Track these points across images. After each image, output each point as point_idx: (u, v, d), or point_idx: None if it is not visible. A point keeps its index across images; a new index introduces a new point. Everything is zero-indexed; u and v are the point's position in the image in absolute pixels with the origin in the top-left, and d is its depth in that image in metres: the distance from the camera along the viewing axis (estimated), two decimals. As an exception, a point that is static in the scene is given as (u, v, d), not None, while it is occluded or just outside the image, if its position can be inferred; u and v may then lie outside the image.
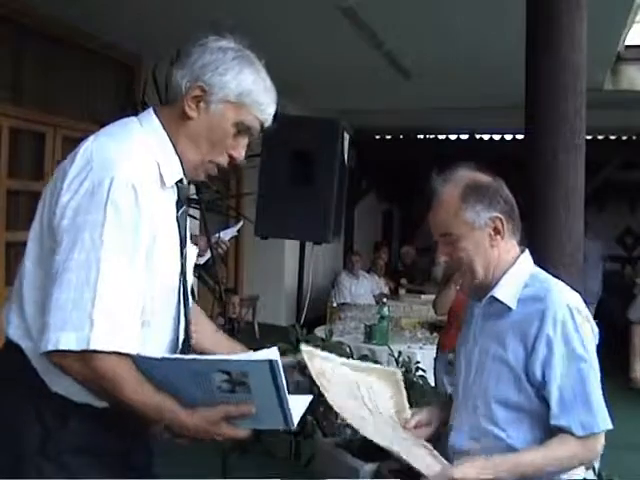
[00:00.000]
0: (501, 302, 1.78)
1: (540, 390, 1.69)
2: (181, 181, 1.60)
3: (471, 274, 1.79)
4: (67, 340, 1.39)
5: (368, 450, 2.40)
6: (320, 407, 4.42)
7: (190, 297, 1.67)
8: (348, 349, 4.80)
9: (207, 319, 1.94)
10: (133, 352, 1.43)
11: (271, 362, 1.34)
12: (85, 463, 1.50)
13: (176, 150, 1.57)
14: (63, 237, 1.43)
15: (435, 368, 4.38)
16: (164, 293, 1.56)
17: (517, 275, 1.79)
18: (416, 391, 3.04)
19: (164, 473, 1.81)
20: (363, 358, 4.44)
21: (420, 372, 4.00)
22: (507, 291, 1.78)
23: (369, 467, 2.17)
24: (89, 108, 5.46)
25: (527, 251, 1.85)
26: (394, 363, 4.24)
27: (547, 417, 1.69)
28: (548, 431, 1.70)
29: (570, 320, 1.69)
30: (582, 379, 1.67)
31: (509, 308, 1.76)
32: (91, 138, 1.53)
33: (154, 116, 1.59)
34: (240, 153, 1.62)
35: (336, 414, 4.20)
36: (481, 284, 1.81)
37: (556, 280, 1.81)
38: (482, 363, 1.80)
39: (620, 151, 8.97)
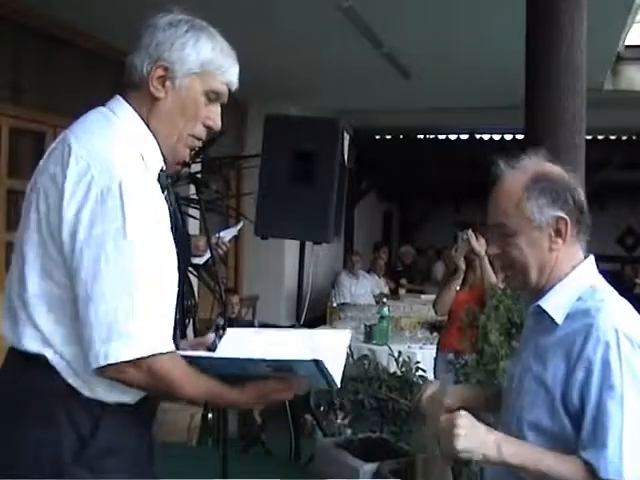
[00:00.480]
0: (548, 314, 1.57)
1: (578, 418, 1.48)
2: (162, 169, 1.59)
3: (523, 277, 1.60)
4: (116, 352, 1.39)
5: (368, 450, 2.40)
6: (320, 407, 4.42)
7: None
8: (348, 349, 4.80)
9: None
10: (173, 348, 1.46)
11: (317, 362, 1.38)
12: (114, 465, 1.50)
13: (154, 135, 1.56)
14: (83, 251, 1.40)
15: (435, 368, 4.38)
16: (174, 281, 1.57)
17: (571, 286, 1.57)
18: (416, 391, 3.04)
19: (164, 473, 1.81)
20: (363, 358, 4.45)
21: (420, 372, 4.01)
22: (556, 302, 1.57)
23: (369, 467, 2.17)
24: (89, 108, 5.43)
25: (590, 261, 1.63)
26: (394, 363, 4.24)
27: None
28: None
29: (615, 346, 1.45)
30: (613, 415, 1.44)
31: (556, 323, 1.56)
32: (71, 138, 1.49)
33: (125, 104, 1.57)
34: (216, 121, 1.61)
35: (336, 414, 4.22)
36: (533, 290, 1.62)
37: (616, 298, 1.58)
38: (521, 380, 1.61)
39: (620, 151, 8.97)
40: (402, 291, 8.64)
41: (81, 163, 1.43)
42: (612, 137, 9.12)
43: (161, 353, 1.42)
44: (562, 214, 1.54)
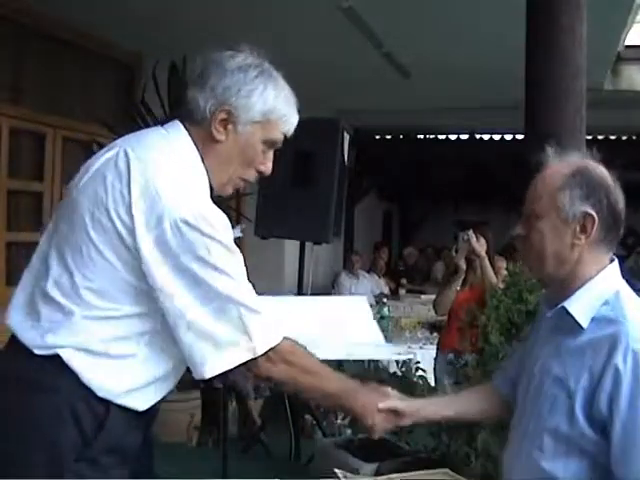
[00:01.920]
0: (572, 317, 1.54)
1: (603, 426, 1.45)
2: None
3: (539, 263, 1.58)
4: (244, 353, 1.53)
5: (368, 450, 2.40)
6: (320, 407, 4.42)
7: None
8: (348, 349, 4.80)
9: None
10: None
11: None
12: (114, 463, 1.52)
13: (206, 168, 1.60)
14: (175, 282, 1.47)
15: (435, 368, 4.38)
16: None
17: (597, 290, 1.55)
18: (416, 391, 3.04)
19: (164, 473, 1.81)
20: (363, 358, 4.44)
21: (420, 372, 4.00)
22: (581, 306, 1.53)
23: (369, 467, 2.17)
24: (89, 108, 5.45)
25: (614, 265, 1.62)
26: (394, 363, 4.23)
27: (603, 457, 1.46)
28: (604, 472, 1.47)
29: None
30: None
31: (581, 326, 1.53)
32: (127, 149, 1.52)
33: (184, 130, 1.60)
34: (268, 167, 1.68)
35: (336, 414, 4.21)
36: (554, 289, 1.62)
37: None
38: (541, 383, 1.58)
39: (620, 151, 8.97)
40: (402, 291, 8.64)
41: (149, 189, 1.46)
42: (612, 137, 9.12)
43: (280, 343, 1.58)
44: (591, 211, 1.53)
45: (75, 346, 1.47)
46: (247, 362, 1.55)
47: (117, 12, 4.72)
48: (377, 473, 2.12)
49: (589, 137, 3.00)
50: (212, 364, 1.50)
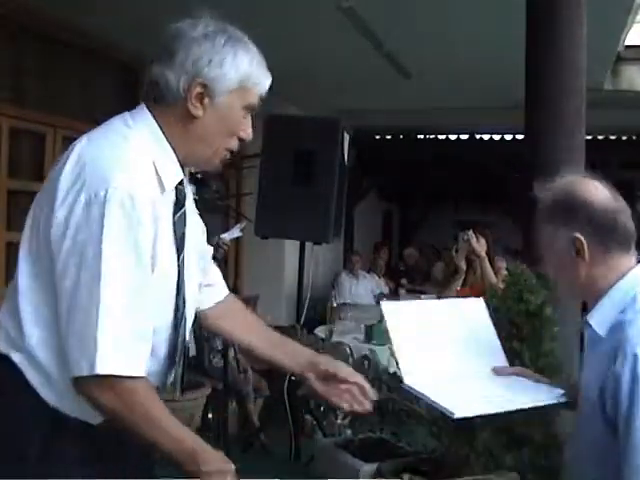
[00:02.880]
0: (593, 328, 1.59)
1: (614, 429, 1.49)
2: (181, 183, 1.55)
3: (563, 292, 1.78)
4: (79, 366, 1.36)
5: (368, 450, 2.40)
6: (320, 407, 4.42)
7: (189, 306, 1.61)
8: (348, 349, 4.80)
9: (252, 316, 1.91)
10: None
11: None
12: (90, 472, 1.46)
13: (175, 151, 1.53)
14: (69, 259, 1.37)
15: (435, 368, 4.37)
16: (162, 302, 1.52)
17: (613, 298, 1.58)
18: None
19: (164, 473, 1.80)
20: (363, 358, 4.44)
21: (420, 372, 3.99)
22: (599, 316, 1.58)
23: (369, 467, 2.17)
24: (89, 108, 5.45)
25: (637, 270, 1.61)
26: (394, 363, 4.23)
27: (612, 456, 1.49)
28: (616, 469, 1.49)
29: None
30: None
31: (601, 336, 1.57)
32: (83, 141, 1.48)
33: (150, 116, 1.52)
34: (249, 133, 1.59)
35: (336, 414, 4.21)
36: (590, 306, 1.64)
37: None
38: (581, 397, 1.63)
39: (620, 151, 8.97)
40: (402, 291, 8.63)
41: (79, 167, 1.41)
42: (612, 137, 9.11)
43: (130, 377, 1.37)
44: (577, 234, 1.56)
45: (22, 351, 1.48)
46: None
47: (117, 12, 4.72)
48: (377, 473, 2.12)
49: (589, 137, 3.00)
50: (71, 365, 1.38)
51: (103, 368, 1.34)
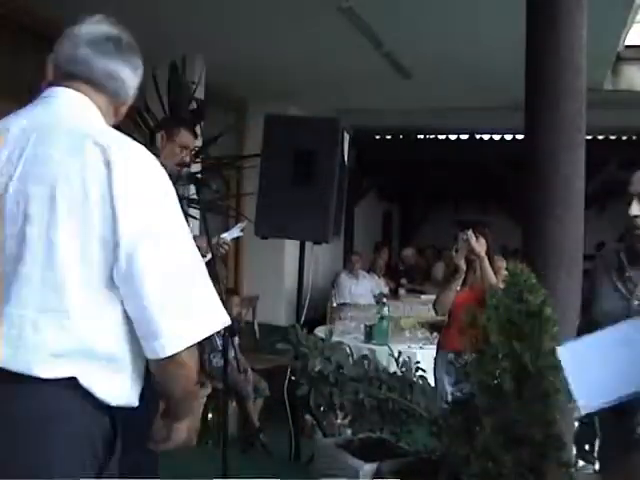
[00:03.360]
0: None
1: None
2: None
3: None
4: (189, 332, 1.43)
5: (368, 450, 2.40)
6: (320, 407, 4.42)
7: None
8: (348, 349, 4.80)
9: None
10: None
11: None
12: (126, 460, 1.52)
13: None
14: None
15: (435, 368, 4.38)
16: None
17: None
18: (416, 391, 3.03)
19: (164, 473, 1.81)
20: (363, 358, 4.44)
21: (420, 372, 4.00)
22: None
23: (369, 467, 2.17)
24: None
25: None
26: (394, 363, 4.23)
27: None
28: None
29: None
30: None
31: None
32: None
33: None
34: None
35: (336, 414, 4.20)
36: None
37: None
38: None
39: (620, 151, 8.97)
40: (402, 291, 8.64)
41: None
42: (612, 137, 9.11)
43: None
44: None
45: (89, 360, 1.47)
46: None
47: (117, 13, 4.72)
48: (377, 473, 2.13)
49: (589, 137, 3.00)
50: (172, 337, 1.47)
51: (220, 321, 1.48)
